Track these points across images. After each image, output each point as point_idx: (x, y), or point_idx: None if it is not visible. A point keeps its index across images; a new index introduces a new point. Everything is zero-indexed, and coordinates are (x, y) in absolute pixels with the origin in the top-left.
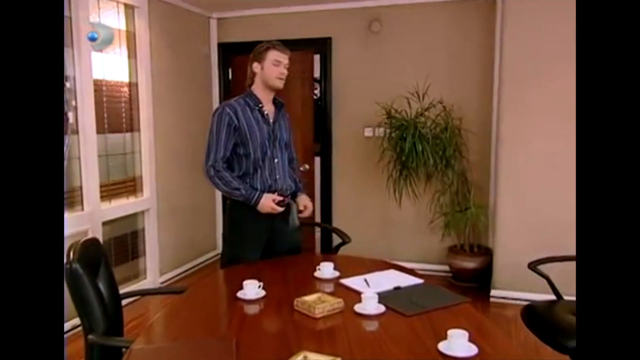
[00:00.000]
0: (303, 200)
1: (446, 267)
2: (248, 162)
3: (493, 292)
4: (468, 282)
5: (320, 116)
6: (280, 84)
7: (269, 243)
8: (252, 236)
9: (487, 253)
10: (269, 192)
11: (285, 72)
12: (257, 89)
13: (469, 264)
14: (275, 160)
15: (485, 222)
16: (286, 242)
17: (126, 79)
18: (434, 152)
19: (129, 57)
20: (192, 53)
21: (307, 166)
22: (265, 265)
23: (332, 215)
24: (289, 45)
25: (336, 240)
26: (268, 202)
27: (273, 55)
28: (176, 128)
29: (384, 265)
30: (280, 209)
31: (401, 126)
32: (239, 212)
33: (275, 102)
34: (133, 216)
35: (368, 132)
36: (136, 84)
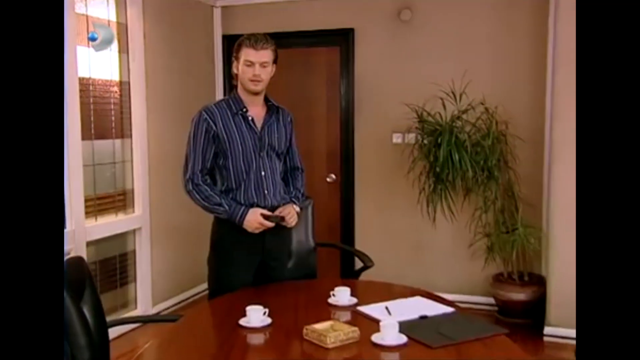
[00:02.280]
0: (286, 207)
1: (491, 300)
2: (229, 174)
3: (547, 330)
4: (517, 317)
5: (341, 119)
6: (254, 87)
7: (262, 270)
8: (239, 260)
9: (539, 282)
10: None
11: (260, 72)
12: (241, 91)
13: (518, 295)
14: (262, 172)
15: (537, 245)
16: (285, 270)
17: (116, 78)
18: (473, 162)
19: (120, 52)
20: (193, 47)
21: (333, 176)
22: (272, 290)
23: (354, 235)
24: (304, 38)
25: (359, 264)
26: (255, 217)
27: (244, 54)
28: (173, 134)
29: (410, 292)
30: (271, 224)
31: (435, 131)
32: (222, 231)
33: (268, 105)
34: (122, 236)
35: (397, 138)
36: (128, 83)
